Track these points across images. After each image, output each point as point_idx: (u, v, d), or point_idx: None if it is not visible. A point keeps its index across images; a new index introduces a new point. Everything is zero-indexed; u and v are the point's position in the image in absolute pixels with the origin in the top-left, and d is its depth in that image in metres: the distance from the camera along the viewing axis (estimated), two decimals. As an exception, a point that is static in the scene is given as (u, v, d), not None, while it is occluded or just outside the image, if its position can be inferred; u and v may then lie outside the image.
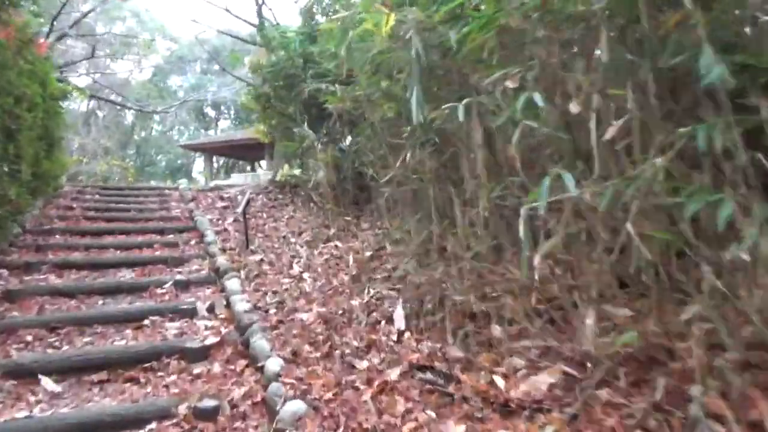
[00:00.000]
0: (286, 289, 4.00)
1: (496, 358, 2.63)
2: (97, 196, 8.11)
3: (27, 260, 4.54)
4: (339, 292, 3.86)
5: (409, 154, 3.21)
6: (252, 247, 4.93)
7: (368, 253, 4.31)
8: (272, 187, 7.62)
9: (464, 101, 2.67)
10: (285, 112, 6.92)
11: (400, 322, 3.10)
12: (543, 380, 2.26)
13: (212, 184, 12.79)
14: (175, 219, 6.75)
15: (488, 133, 2.90)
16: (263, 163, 26.50)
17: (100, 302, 4.04)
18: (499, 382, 2.35)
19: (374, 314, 3.38)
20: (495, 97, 2.68)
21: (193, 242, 5.65)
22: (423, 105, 2.86)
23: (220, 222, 6.24)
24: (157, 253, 5.27)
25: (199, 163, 38.35)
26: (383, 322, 3.19)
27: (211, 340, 3.24)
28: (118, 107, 27.06)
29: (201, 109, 36.59)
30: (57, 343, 3.28)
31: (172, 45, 30.86)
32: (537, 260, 2.09)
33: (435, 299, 3.20)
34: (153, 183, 24.20)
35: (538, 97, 2.16)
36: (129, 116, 33.71)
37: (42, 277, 4.37)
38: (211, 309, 3.84)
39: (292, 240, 5.14)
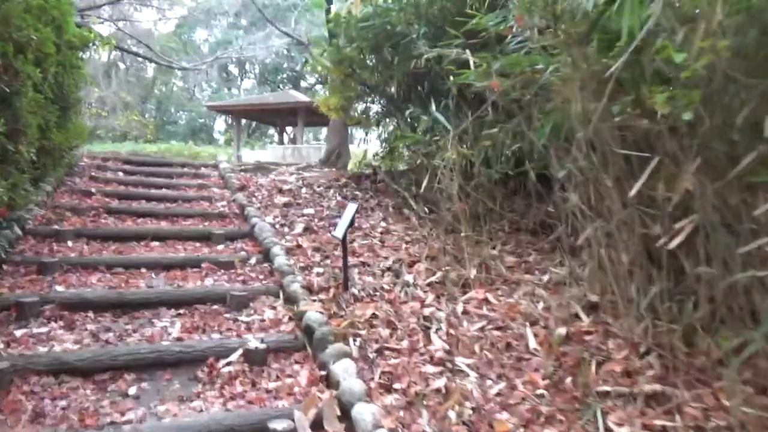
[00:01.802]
0: (440, 391, 2.41)
1: None
2: (120, 174, 6.53)
3: (21, 299, 2.96)
4: (541, 415, 2.25)
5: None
6: (354, 290, 3.31)
7: (561, 330, 2.67)
8: (344, 179, 5.93)
9: None
10: (371, 83, 5.20)
11: None
12: None
13: (246, 158, 11.10)
14: (222, 217, 5.14)
15: None
16: (289, 129, 24.75)
17: (132, 390, 2.48)
18: None
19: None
20: None
21: (253, 261, 4.06)
22: None
23: (285, 229, 4.61)
24: (209, 281, 3.69)
25: (219, 123, 36.75)
26: None
27: None
28: (140, 60, 25.32)
29: (226, 66, 34.79)
30: None
31: (199, -5, 28.84)
32: None
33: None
34: (174, 143, 22.62)
35: None
36: (150, 70, 31.97)
37: (43, 330, 2.81)
38: (317, 425, 2.27)
39: (407, 277, 3.50)
